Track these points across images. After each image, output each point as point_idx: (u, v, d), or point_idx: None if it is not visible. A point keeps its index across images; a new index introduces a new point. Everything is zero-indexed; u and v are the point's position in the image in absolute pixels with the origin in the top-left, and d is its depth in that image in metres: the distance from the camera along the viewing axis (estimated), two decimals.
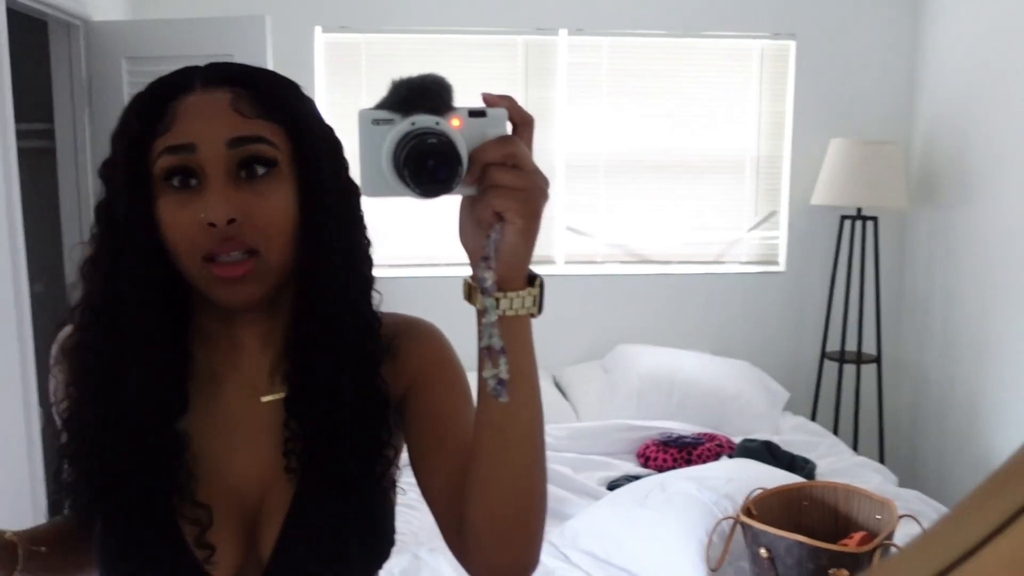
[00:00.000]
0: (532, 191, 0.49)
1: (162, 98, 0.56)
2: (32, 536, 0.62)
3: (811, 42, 2.22)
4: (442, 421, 0.60)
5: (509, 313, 0.51)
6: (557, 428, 1.90)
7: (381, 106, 0.50)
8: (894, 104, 2.25)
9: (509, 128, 0.50)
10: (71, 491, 0.60)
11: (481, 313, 0.51)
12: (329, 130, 0.60)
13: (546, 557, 1.44)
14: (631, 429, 1.90)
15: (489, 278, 0.50)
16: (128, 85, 1.75)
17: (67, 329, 0.61)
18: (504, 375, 0.51)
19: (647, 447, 1.83)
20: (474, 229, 0.50)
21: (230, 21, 1.70)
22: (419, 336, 0.63)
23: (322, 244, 0.58)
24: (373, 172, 0.50)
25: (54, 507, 0.72)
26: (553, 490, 1.71)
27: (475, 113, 0.50)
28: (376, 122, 0.50)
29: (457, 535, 0.57)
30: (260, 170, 0.56)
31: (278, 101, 0.57)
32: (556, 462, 1.76)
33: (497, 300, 0.50)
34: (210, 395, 0.61)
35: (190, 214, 0.54)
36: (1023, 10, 1.89)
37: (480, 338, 0.51)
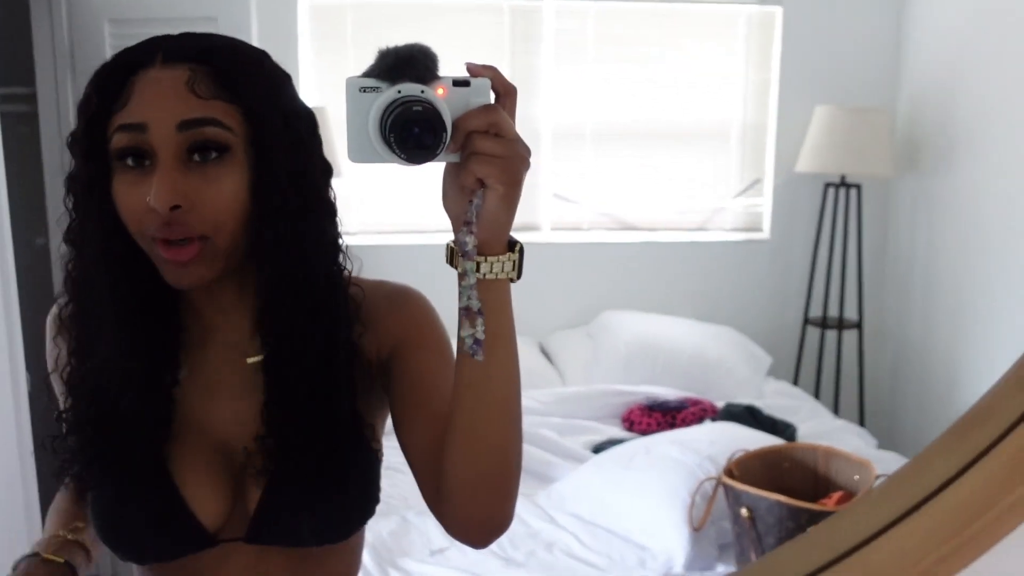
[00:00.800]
0: (514, 159, 0.50)
1: (124, 70, 0.55)
2: (76, 528, 0.66)
3: (797, 8, 2.22)
4: (424, 384, 0.61)
5: (488, 277, 0.52)
6: (543, 393, 1.93)
7: (368, 74, 0.50)
8: (880, 71, 2.26)
9: (492, 97, 0.51)
10: (70, 458, 0.62)
11: (461, 276, 0.52)
12: (296, 109, 0.58)
13: (532, 519, 1.47)
14: (616, 394, 1.92)
15: (470, 242, 0.51)
16: (111, 48, 1.73)
17: (62, 299, 0.62)
18: (480, 335, 0.53)
19: (632, 411, 1.86)
20: (457, 195, 0.52)
21: None
22: (403, 301, 0.64)
23: (273, 229, 0.57)
24: (360, 138, 0.51)
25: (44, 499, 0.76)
26: (539, 454, 1.73)
27: (459, 83, 0.51)
28: (363, 89, 0.50)
29: (436, 494, 0.59)
30: (212, 154, 0.55)
31: (237, 80, 0.56)
32: (542, 427, 1.78)
33: (477, 264, 0.52)
34: (201, 358, 0.63)
35: (139, 195, 0.54)
36: None
37: (460, 299, 0.53)
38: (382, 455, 0.64)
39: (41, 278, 1.86)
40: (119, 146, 0.55)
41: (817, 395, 2.22)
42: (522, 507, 1.47)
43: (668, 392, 1.92)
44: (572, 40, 2.23)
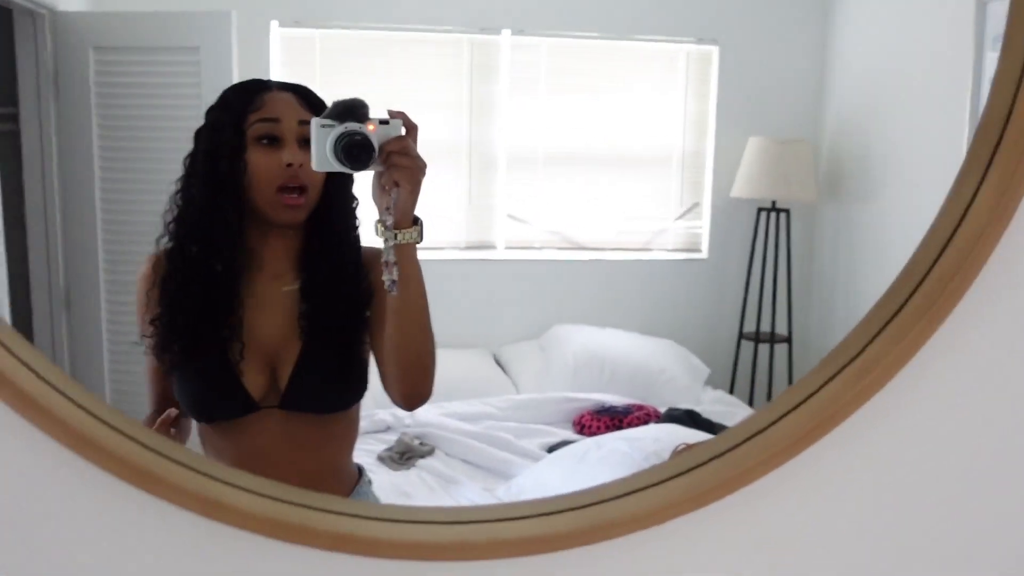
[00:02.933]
0: (415, 168, 0.81)
1: (254, 89, 0.92)
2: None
3: (732, 48, 2.42)
4: (383, 310, 0.90)
5: (401, 241, 0.83)
6: (498, 400, 2.06)
7: (326, 116, 0.82)
8: (804, 106, 2.47)
9: (403, 131, 0.82)
10: (162, 348, 0.92)
11: (384, 241, 0.83)
12: None
13: None
14: (567, 401, 2.07)
15: (388, 219, 0.82)
16: (96, 74, 1.83)
17: (163, 242, 0.94)
18: (395, 277, 0.83)
19: (583, 416, 2.01)
20: (381, 192, 0.83)
21: (197, 16, 1.80)
22: (377, 259, 0.90)
23: (339, 190, 0.93)
24: (320, 155, 0.82)
25: None
26: (498, 453, 1.87)
27: (383, 121, 0.82)
28: (323, 126, 0.82)
29: (383, 376, 0.92)
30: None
31: (315, 102, 0.93)
32: (499, 430, 1.92)
33: (395, 234, 0.82)
34: (252, 284, 0.94)
35: (273, 160, 0.89)
36: (920, 22, 2.13)
37: (382, 256, 0.83)
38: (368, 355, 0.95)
39: (21, 290, 1.94)
40: (260, 132, 0.90)
41: (751, 403, 2.40)
42: (484, 499, 1.61)
43: (615, 399, 2.07)
44: (526, 72, 2.39)
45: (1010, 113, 0.53)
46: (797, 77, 2.47)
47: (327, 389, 0.94)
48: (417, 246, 0.84)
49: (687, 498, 0.60)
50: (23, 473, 0.63)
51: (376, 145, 0.81)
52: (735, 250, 2.54)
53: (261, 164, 0.90)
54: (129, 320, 1.81)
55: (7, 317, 1.63)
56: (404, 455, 1.76)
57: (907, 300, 0.58)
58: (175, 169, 1.82)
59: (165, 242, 0.94)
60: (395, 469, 1.72)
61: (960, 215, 0.55)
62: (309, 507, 0.60)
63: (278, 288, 0.95)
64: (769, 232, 2.40)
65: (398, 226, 0.83)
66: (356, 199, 0.95)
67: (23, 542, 0.64)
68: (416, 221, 0.84)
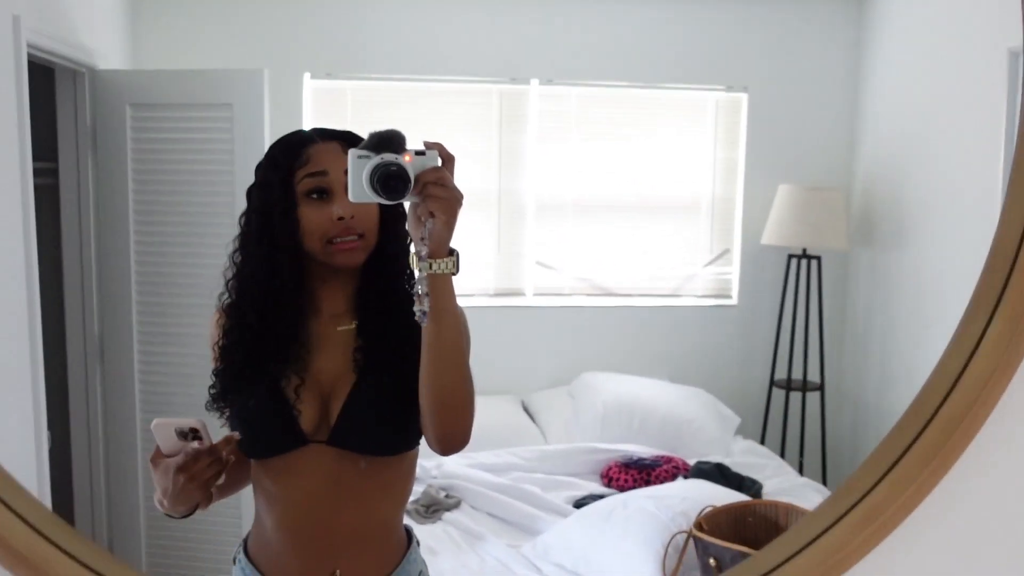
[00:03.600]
0: (451, 200, 0.80)
1: (298, 145, 0.93)
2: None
3: (762, 95, 2.42)
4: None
5: (436, 271, 0.82)
6: (526, 450, 2.05)
7: (363, 147, 0.82)
8: (835, 153, 2.45)
9: (439, 162, 0.81)
10: (220, 392, 0.94)
11: (418, 272, 0.83)
12: None
13: (519, 568, 1.59)
14: (595, 452, 2.05)
15: (424, 250, 0.82)
16: (132, 130, 1.88)
17: (224, 297, 0.96)
18: (425, 308, 0.83)
19: (610, 468, 1.99)
20: (416, 222, 0.82)
21: (231, 74, 1.84)
22: None
23: (393, 231, 0.93)
24: (356, 186, 0.82)
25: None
26: (524, 508, 1.85)
27: (419, 152, 0.82)
28: (360, 157, 0.81)
29: (422, 419, 0.89)
30: None
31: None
32: (526, 482, 1.91)
33: (430, 264, 0.82)
34: (310, 325, 0.95)
35: (323, 213, 0.90)
36: (953, 70, 2.11)
37: (415, 287, 0.83)
38: None
39: (57, 340, 1.98)
40: (309, 187, 0.91)
41: (782, 454, 2.36)
42: (509, 557, 1.59)
43: (643, 450, 2.05)
44: (555, 121, 2.41)
45: (1016, 255, 0.52)
46: (828, 124, 2.45)
47: (376, 427, 0.93)
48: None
49: None
50: None
51: (412, 176, 0.81)
52: (766, 297, 2.51)
53: (313, 219, 0.91)
54: (161, 370, 1.84)
55: (41, 368, 1.66)
56: (430, 508, 1.76)
57: (913, 442, 0.56)
58: (208, 222, 1.86)
59: (225, 299, 0.97)
60: (421, 523, 1.71)
61: (967, 356, 0.54)
62: None
63: (335, 327, 0.96)
64: (800, 279, 2.38)
65: (432, 256, 0.82)
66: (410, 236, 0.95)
67: None
68: (452, 252, 0.83)
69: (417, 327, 0.87)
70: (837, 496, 0.57)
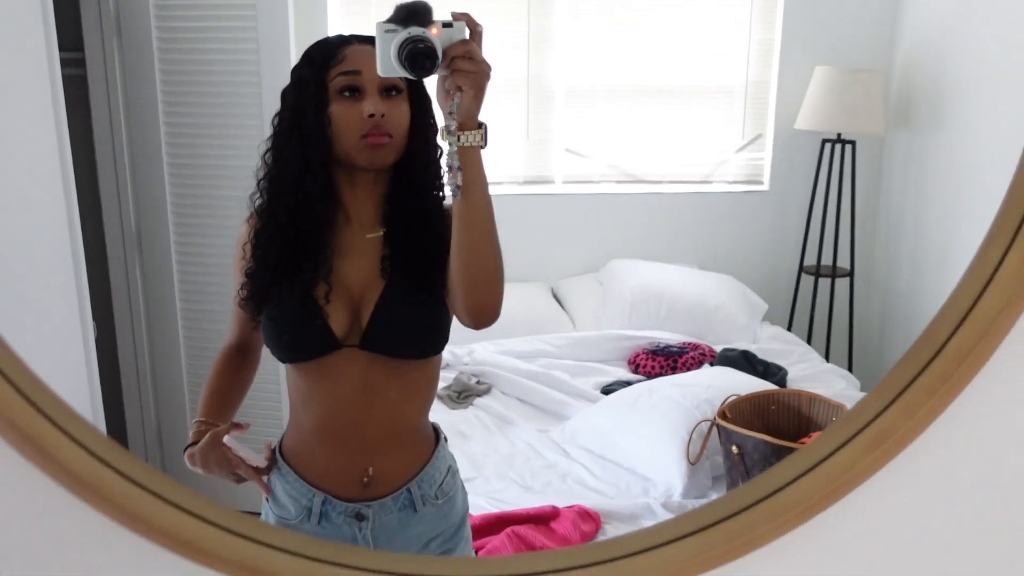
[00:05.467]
0: (480, 73, 0.81)
1: (335, 45, 0.93)
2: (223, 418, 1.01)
3: None
4: None
5: (464, 144, 0.83)
6: (556, 337, 2.09)
7: (390, 20, 0.82)
8: (876, 33, 2.36)
9: (467, 33, 0.81)
10: (253, 292, 0.97)
11: (447, 146, 0.84)
12: None
13: (548, 452, 1.65)
14: (623, 339, 2.09)
15: (452, 124, 0.83)
16: (155, 17, 1.85)
17: (255, 198, 0.98)
18: (459, 183, 0.84)
19: (638, 355, 2.03)
20: (445, 95, 0.83)
21: None
22: None
23: (423, 138, 0.94)
24: (385, 61, 0.82)
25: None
26: (553, 394, 1.91)
27: (447, 24, 0.81)
28: (387, 31, 0.81)
29: (452, 296, 0.92)
30: (394, 92, 0.93)
31: None
32: (556, 368, 1.96)
33: (458, 136, 0.83)
34: (340, 233, 0.97)
35: (354, 111, 0.91)
36: None
37: (446, 160, 0.85)
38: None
39: (95, 233, 2.02)
40: (341, 84, 0.92)
41: (809, 340, 2.39)
42: (538, 441, 1.66)
43: (671, 337, 2.09)
44: (585, 2, 2.33)
45: None
46: (869, 2, 2.35)
47: (405, 331, 0.96)
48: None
49: (696, 560, 0.60)
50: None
51: (439, 50, 0.80)
52: (798, 182, 2.48)
53: (344, 116, 0.92)
54: (198, 260, 1.89)
55: (83, 261, 1.71)
56: (462, 394, 1.82)
57: (924, 368, 0.57)
58: (234, 113, 1.85)
59: (257, 199, 0.98)
60: (453, 408, 1.77)
61: (984, 282, 0.54)
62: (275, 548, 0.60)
63: (363, 235, 0.97)
64: (833, 164, 2.34)
65: (461, 129, 0.83)
66: (440, 148, 0.96)
67: None
68: (480, 125, 0.84)
69: (443, 234, 0.91)
70: (846, 420, 0.59)
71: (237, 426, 0.96)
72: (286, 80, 1.01)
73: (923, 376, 0.56)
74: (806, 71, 2.30)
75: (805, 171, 2.48)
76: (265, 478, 0.99)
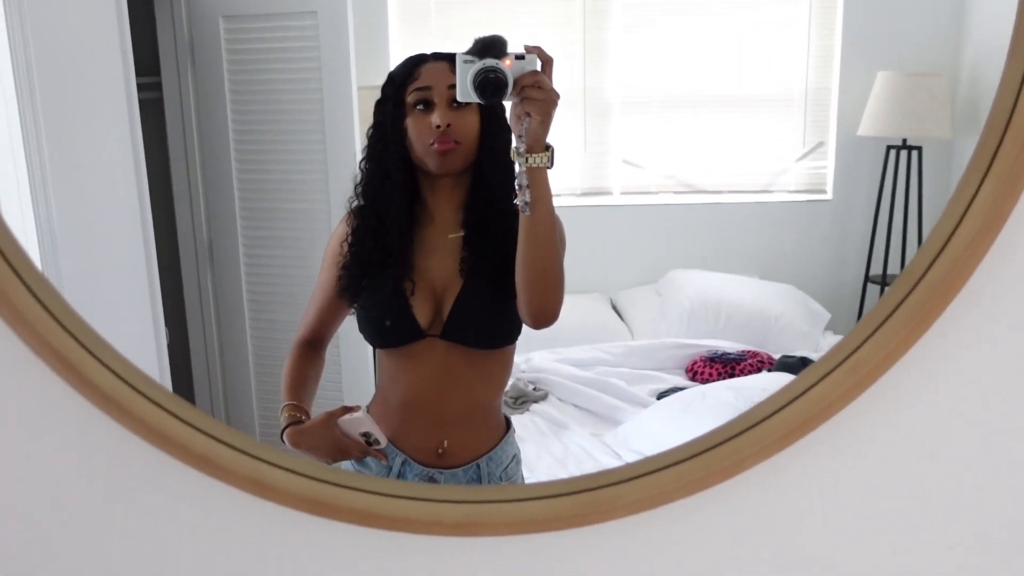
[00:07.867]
0: (547, 101, 0.94)
1: (411, 64, 1.08)
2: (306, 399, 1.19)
3: None
4: None
5: (532, 165, 0.96)
6: (613, 346, 2.10)
7: (468, 52, 0.94)
8: (941, 36, 2.32)
9: (538, 65, 0.94)
10: (349, 283, 1.13)
11: (517, 166, 0.95)
12: None
13: (601, 455, 1.66)
14: (681, 347, 2.09)
15: (522, 146, 0.95)
16: (225, 41, 1.95)
17: (352, 200, 1.15)
18: (528, 199, 0.96)
19: (695, 363, 2.02)
20: (516, 120, 0.96)
21: None
22: None
23: (493, 147, 1.06)
24: (463, 87, 0.96)
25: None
26: (608, 400, 1.92)
27: (519, 56, 0.94)
28: (465, 61, 0.95)
29: (518, 301, 1.05)
30: (463, 105, 1.03)
31: None
32: (612, 376, 1.96)
33: (526, 158, 0.95)
34: (424, 233, 1.12)
35: (425, 122, 1.06)
36: None
37: (516, 180, 0.96)
38: None
39: (169, 245, 2.13)
40: (415, 99, 1.07)
41: None
42: (591, 445, 1.67)
43: (729, 345, 2.07)
44: (639, 12, 2.35)
45: (1010, 117, 0.52)
46: (933, 5, 2.31)
47: (483, 323, 1.11)
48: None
49: (680, 485, 0.65)
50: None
51: (511, 79, 0.93)
52: (862, 190, 2.44)
53: (416, 127, 1.06)
54: (265, 271, 1.96)
55: (156, 271, 1.79)
56: (519, 399, 1.84)
57: (900, 303, 0.59)
58: (298, 131, 1.93)
59: (354, 201, 1.14)
60: (510, 413, 1.80)
61: (959, 217, 0.56)
62: (340, 485, 0.67)
63: (445, 236, 1.11)
64: (899, 171, 2.29)
65: (530, 151, 0.95)
66: (513, 164, 1.05)
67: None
68: (548, 148, 0.96)
69: (515, 237, 1.02)
70: (828, 356, 0.62)
71: (348, 408, 1.13)
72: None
73: (900, 309, 0.58)
74: (868, 76, 2.27)
75: (869, 179, 2.43)
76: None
